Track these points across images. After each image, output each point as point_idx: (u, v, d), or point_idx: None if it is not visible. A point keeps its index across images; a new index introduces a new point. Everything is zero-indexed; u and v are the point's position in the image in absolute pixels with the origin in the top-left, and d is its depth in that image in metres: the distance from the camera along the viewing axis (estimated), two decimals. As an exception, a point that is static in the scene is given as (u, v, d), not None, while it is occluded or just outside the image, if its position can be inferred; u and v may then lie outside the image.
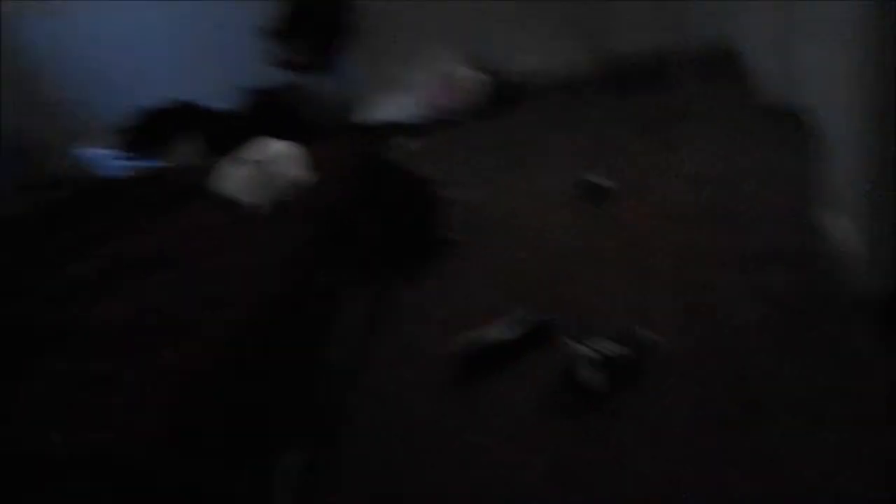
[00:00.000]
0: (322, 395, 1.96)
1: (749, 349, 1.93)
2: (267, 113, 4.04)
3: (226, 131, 3.92)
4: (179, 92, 4.09)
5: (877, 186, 1.81)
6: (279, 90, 4.12)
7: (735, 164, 2.86)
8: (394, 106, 4.02)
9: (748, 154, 2.91)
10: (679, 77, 3.44)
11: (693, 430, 1.73)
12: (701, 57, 3.56)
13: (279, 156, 2.33)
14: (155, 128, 3.97)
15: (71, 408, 1.58)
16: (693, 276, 2.28)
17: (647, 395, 1.86)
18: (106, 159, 3.95)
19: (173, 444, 1.46)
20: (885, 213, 1.82)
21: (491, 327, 2.14)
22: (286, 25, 3.91)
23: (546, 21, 3.93)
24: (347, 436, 1.97)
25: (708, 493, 1.57)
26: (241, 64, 4.01)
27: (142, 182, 2.84)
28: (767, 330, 1.97)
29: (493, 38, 4.00)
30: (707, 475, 1.60)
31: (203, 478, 1.46)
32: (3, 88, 4.37)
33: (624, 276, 2.37)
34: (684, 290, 2.23)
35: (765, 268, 2.21)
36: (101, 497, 1.37)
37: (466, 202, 2.93)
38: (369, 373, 2.18)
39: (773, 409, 1.73)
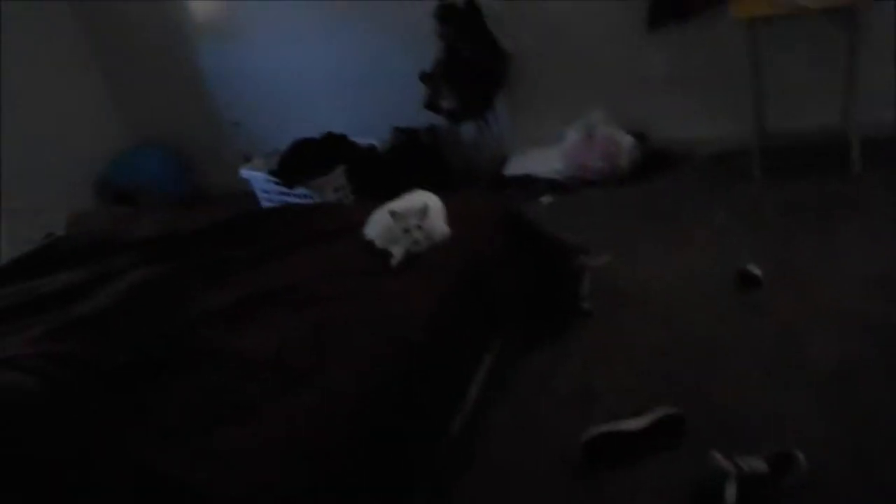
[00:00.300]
0: (440, 458, 1.94)
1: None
2: (410, 154, 4.14)
3: (368, 167, 4.06)
4: (336, 125, 4.26)
5: None
6: (425, 132, 4.21)
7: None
8: (538, 161, 3.99)
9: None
10: (854, 161, 3.15)
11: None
12: (884, 139, 3.26)
13: (421, 208, 2.35)
14: (304, 157, 4.15)
15: (198, 436, 1.63)
16: (849, 385, 2.08)
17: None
18: (262, 182, 4.18)
19: (295, 487, 1.47)
20: None
21: (618, 415, 2.04)
22: (439, 71, 3.99)
23: (704, 87, 3.78)
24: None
25: None
26: (399, 104, 4.13)
27: (292, 214, 2.97)
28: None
29: (648, 100, 3.89)
30: None
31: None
32: (182, 108, 4.78)
33: (769, 377, 2.19)
34: (838, 400, 2.03)
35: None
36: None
37: (603, 271, 2.83)
38: (487, 440, 2.13)
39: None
